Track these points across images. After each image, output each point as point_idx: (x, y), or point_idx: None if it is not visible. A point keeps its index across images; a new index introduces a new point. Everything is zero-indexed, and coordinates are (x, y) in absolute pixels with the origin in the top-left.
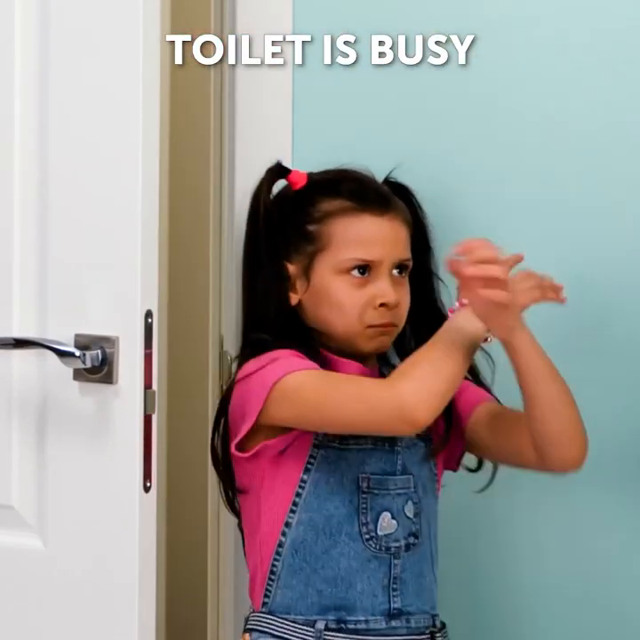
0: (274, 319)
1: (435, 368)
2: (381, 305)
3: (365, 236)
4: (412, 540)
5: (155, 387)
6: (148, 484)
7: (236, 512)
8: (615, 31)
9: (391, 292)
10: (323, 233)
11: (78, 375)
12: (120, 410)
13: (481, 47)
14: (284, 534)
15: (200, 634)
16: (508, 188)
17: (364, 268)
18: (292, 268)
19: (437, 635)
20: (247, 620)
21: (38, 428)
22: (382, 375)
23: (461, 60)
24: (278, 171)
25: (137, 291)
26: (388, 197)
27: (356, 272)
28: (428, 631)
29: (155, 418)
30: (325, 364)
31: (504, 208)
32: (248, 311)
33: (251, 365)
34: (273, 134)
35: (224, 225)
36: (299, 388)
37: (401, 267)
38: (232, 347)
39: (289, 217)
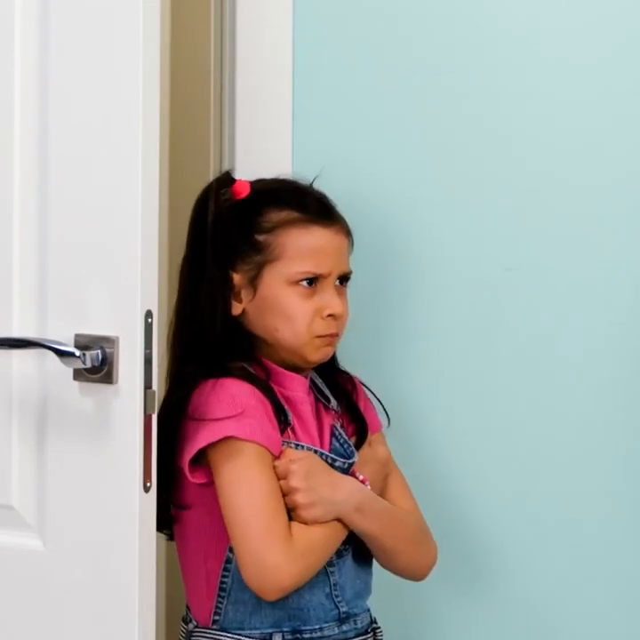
0: (219, 328)
1: (325, 555)
2: (329, 315)
3: (316, 248)
4: (341, 546)
5: (155, 387)
6: (148, 484)
7: (169, 528)
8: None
9: (339, 304)
10: (273, 243)
11: (78, 375)
12: (120, 410)
13: (481, 48)
14: (231, 550)
15: None
16: (509, 186)
17: (313, 280)
18: (237, 278)
19: (378, 630)
20: (190, 634)
21: (38, 428)
22: (312, 381)
23: (462, 61)
24: (225, 180)
25: (137, 291)
26: (331, 208)
27: (304, 283)
28: (370, 629)
29: (154, 418)
30: (268, 376)
31: (506, 206)
32: (189, 320)
33: (213, 399)
34: (273, 135)
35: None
36: (236, 469)
37: (343, 277)
38: None
39: (235, 226)
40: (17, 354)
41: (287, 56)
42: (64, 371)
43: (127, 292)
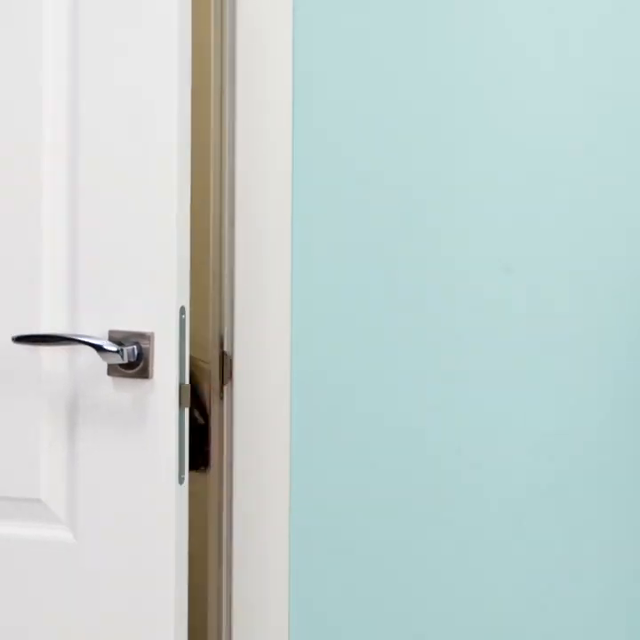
0: None
1: None
2: None
3: None
4: None
5: (186, 381)
6: (182, 476)
7: None
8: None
9: None
10: None
11: (113, 370)
12: (157, 404)
13: (484, 54)
14: None
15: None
16: (510, 186)
17: None
18: None
19: None
20: None
21: (71, 424)
22: None
23: (465, 66)
24: None
25: (173, 287)
26: None
27: None
28: None
29: (187, 411)
30: None
31: (507, 205)
32: None
33: None
34: (273, 137)
35: (224, 228)
36: None
37: None
38: (232, 346)
39: None
40: (48, 350)
41: (287, 58)
42: (98, 366)
43: (163, 288)
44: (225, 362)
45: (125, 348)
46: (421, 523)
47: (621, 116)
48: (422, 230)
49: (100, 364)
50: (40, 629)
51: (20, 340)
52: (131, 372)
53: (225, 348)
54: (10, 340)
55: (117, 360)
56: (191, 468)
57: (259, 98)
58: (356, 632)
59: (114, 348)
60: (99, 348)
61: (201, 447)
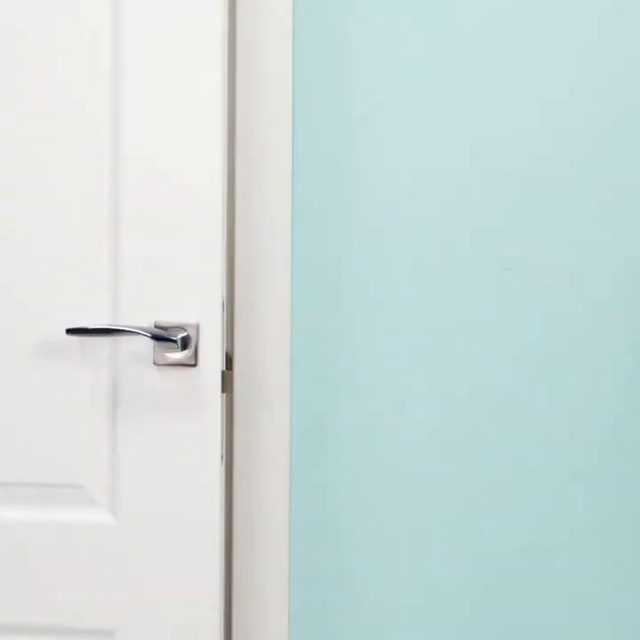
0: None
1: None
2: None
3: None
4: None
5: (224, 368)
6: (223, 457)
7: None
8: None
9: None
10: None
11: (159, 359)
12: (203, 390)
13: (484, 52)
14: None
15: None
16: (510, 185)
17: None
18: None
19: None
20: None
21: (112, 409)
22: None
23: (464, 65)
24: None
25: (218, 279)
26: None
27: None
28: None
29: (224, 396)
30: None
31: (507, 205)
32: None
33: None
34: (272, 139)
35: (224, 228)
36: None
37: None
38: (232, 346)
39: None
40: (93, 339)
41: (287, 59)
42: (143, 355)
43: (210, 281)
44: (225, 362)
45: (179, 339)
46: (422, 522)
47: (622, 115)
48: (424, 230)
49: (146, 352)
50: (83, 611)
51: (73, 331)
52: (178, 360)
53: (225, 348)
54: (53, 328)
55: (173, 349)
56: None
57: (258, 99)
58: (356, 632)
59: (172, 338)
60: (156, 338)
61: None
